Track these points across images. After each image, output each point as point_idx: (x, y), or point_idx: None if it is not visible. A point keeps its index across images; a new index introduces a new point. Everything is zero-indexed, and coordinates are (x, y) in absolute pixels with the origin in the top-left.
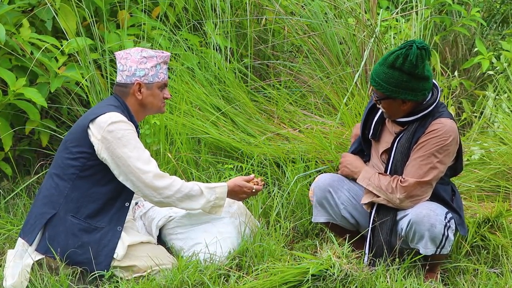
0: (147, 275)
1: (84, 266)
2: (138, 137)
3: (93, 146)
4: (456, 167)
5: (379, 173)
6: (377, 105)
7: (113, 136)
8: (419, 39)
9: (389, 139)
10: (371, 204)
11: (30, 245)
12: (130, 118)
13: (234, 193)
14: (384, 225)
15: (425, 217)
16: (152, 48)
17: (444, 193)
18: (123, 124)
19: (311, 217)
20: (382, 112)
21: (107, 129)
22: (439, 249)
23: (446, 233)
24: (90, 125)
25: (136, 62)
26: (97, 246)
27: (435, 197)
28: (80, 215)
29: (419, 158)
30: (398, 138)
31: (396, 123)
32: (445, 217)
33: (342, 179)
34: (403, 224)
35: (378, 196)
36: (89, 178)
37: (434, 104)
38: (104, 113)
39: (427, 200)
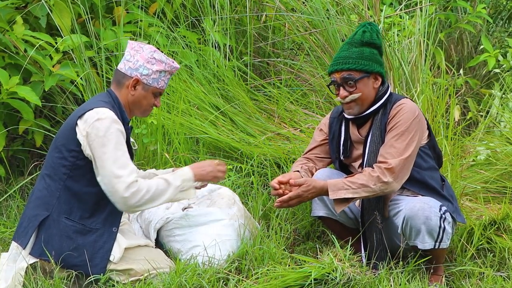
0: (144, 279)
1: (79, 269)
2: (128, 134)
3: (81, 144)
4: (434, 146)
5: (344, 178)
6: (345, 99)
7: (96, 134)
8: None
9: (361, 149)
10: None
11: (24, 248)
12: (121, 113)
13: (200, 170)
14: (373, 224)
15: (419, 210)
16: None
17: (432, 181)
18: (109, 121)
19: (312, 219)
20: (346, 127)
21: (92, 125)
22: (437, 243)
23: (442, 225)
24: (78, 122)
25: (145, 60)
26: (92, 248)
27: (424, 186)
28: (73, 216)
29: (394, 138)
30: (369, 135)
31: (362, 121)
32: (440, 209)
33: (341, 173)
34: (398, 221)
35: (351, 200)
36: (80, 177)
37: (389, 90)
38: (92, 109)
39: (419, 194)
